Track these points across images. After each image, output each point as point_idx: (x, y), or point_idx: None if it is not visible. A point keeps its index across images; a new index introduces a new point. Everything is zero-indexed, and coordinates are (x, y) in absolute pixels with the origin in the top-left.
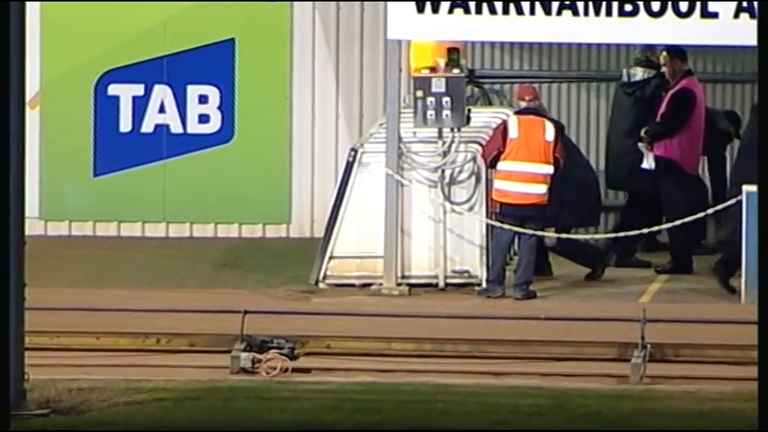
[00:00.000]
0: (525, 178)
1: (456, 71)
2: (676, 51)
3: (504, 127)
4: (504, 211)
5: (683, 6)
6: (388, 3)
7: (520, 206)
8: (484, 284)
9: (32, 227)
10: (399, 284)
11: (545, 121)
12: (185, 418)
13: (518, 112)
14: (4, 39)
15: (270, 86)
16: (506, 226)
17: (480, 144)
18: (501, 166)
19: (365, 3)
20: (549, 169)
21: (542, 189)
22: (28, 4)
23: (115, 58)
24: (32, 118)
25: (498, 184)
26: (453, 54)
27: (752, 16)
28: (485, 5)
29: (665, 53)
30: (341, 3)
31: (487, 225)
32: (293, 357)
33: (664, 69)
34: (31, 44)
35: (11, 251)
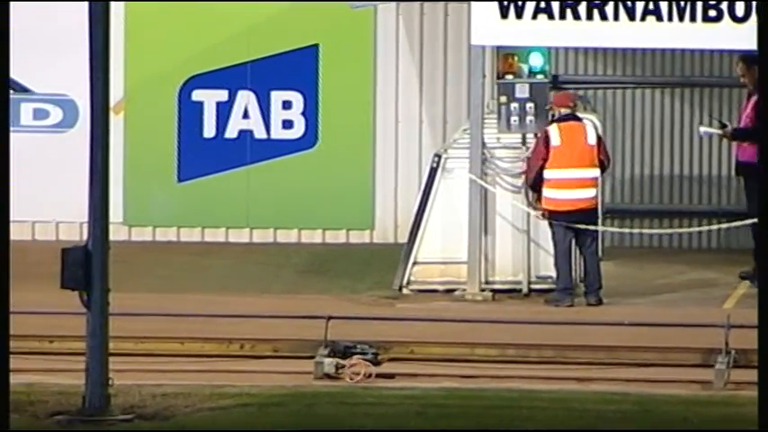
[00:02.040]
0: (573, 184)
1: (540, 77)
2: (753, 58)
3: (545, 136)
4: (555, 219)
5: None
6: (472, 7)
7: (571, 212)
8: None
9: (117, 232)
10: (483, 290)
11: (586, 126)
12: (269, 423)
13: (558, 120)
14: (3, 38)
15: (353, 92)
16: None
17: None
18: (547, 174)
19: (449, 7)
20: (596, 173)
21: (592, 193)
22: (112, 8)
23: (199, 64)
24: (117, 124)
25: (547, 193)
26: None
27: None
28: (569, 11)
29: (740, 63)
30: (425, 8)
31: (553, 233)
32: (377, 363)
33: (743, 80)
34: (116, 50)
35: (94, 257)
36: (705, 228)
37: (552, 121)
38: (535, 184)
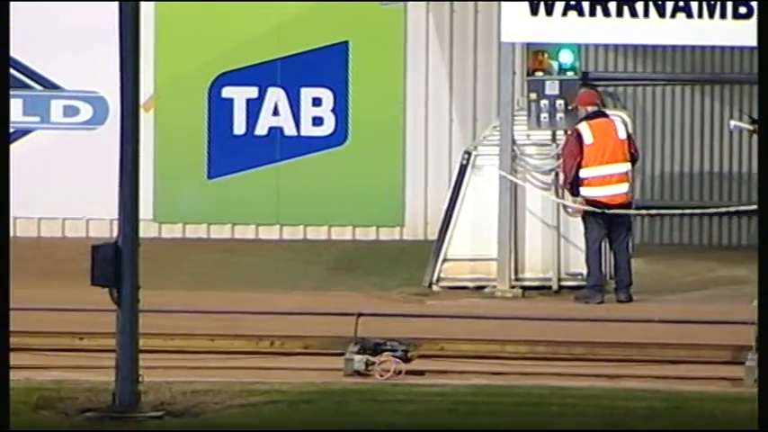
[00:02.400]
0: (610, 180)
1: (570, 74)
2: None
3: (577, 135)
4: (592, 213)
5: None
6: (502, 4)
7: (609, 206)
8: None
9: (147, 229)
10: (513, 287)
11: (615, 121)
12: (299, 420)
13: (586, 118)
14: (4, 38)
15: (383, 89)
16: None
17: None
18: (583, 173)
19: (479, 4)
20: (628, 167)
21: (626, 188)
22: (142, 7)
23: (229, 61)
24: (146, 121)
25: (585, 191)
26: None
27: None
28: (599, 8)
29: None
30: (455, 5)
31: (586, 230)
32: (407, 360)
33: None
34: (146, 47)
35: (125, 254)
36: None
37: (581, 120)
38: (573, 183)
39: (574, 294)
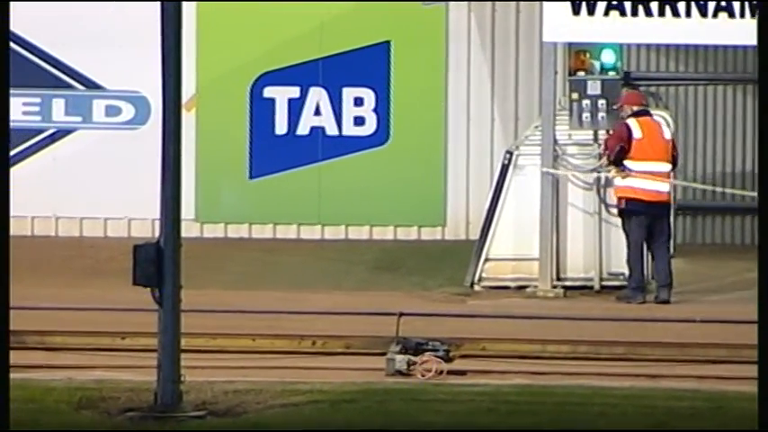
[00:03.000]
0: (654, 177)
1: (612, 73)
2: None
3: (626, 128)
4: (632, 208)
5: None
6: (544, 4)
7: (651, 203)
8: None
9: (188, 229)
10: (555, 286)
11: (662, 122)
12: (341, 420)
13: (634, 115)
14: (3, 37)
15: (425, 89)
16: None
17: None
18: (630, 165)
19: (521, 4)
20: (670, 167)
21: (667, 187)
22: (184, 6)
23: (271, 61)
24: (188, 120)
25: (629, 182)
26: None
27: None
28: (641, 7)
29: None
30: (496, 5)
31: (626, 228)
32: (448, 359)
33: None
34: (187, 47)
35: (166, 253)
36: None
37: (627, 117)
38: (617, 159)
39: (615, 294)
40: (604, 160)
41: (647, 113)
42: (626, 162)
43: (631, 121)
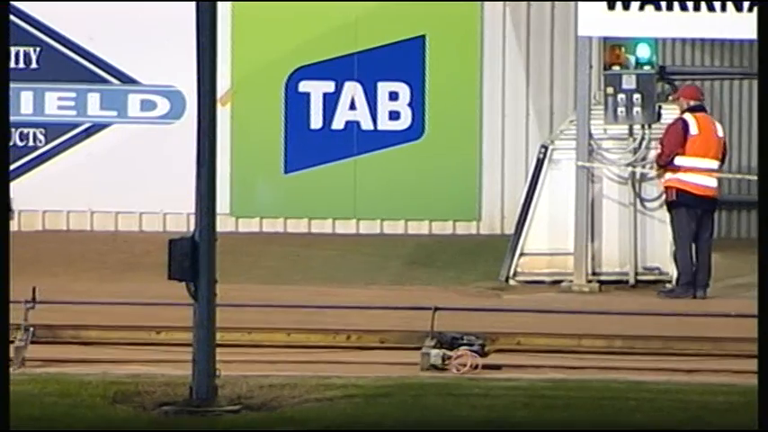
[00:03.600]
0: (706, 172)
1: (647, 68)
2: None
3: (683, 124)
4: (684, 200)
5: None
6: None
7: (701, 197)
8: (669, 285)
9: (224, 224)
10: (590, 281)
11: (714, 120)
12: (376, 414)
13: (691, 110)
14: (4, 36)
15: (460, 83)
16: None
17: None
18: (681, 161)
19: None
20: (718, 165)
21: (716, 183)
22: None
23: (306, 55)
24: (224, 115)
25: (682, 176)
26: None
27: None
28: (675, 2)
29: None
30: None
31: (675, 223)
32: (483, 354)
33: None
34: (222, 41)
35: (201, 248)
36: None
37: (683, 112)
38: (666, 166)
39: (658, 290)
40: (653, 161)
41: (702, 109)
42: (677, 158)
43: (688, 117)
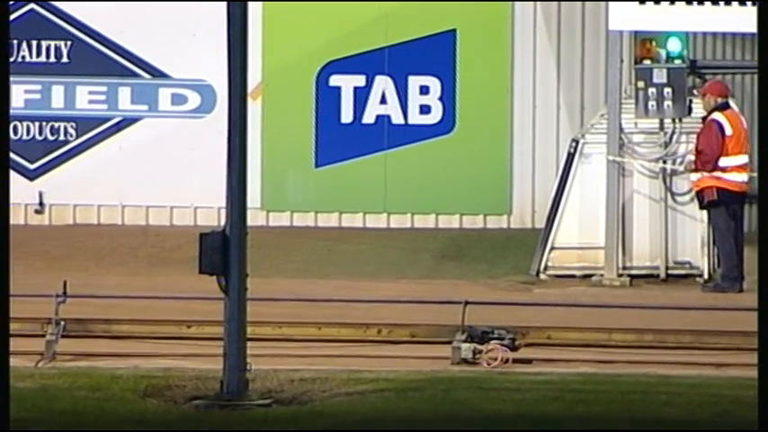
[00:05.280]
0: (743, 169)
1: (678, 62)
2: None
3: (718, 126)
4: (724, 199)
5: None
6: None
7: (737, 194)
8: (706, 276)
9: (254, 218)
10: (620, 275)
11: (738, 112)
12: (407, 408)
13: (720, 108)
14: (4, 35)
15: (491, 77)
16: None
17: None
18: (724, 162)
19: None
20: (748, 158)
21: (748, 177)
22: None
23: (337, 49)
24: (254, 109)
25: (720, 175)
26: None
27: None
28: None
29: None
30: None
31: (708, 218)
32: (514, 348)
33: None
34: (253, 35)
35: (232, 242)
36: None
37: (713, 110)
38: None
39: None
40: (690, 165)
41: (728, 105)
42: (720, 159)
43: (720, 117)
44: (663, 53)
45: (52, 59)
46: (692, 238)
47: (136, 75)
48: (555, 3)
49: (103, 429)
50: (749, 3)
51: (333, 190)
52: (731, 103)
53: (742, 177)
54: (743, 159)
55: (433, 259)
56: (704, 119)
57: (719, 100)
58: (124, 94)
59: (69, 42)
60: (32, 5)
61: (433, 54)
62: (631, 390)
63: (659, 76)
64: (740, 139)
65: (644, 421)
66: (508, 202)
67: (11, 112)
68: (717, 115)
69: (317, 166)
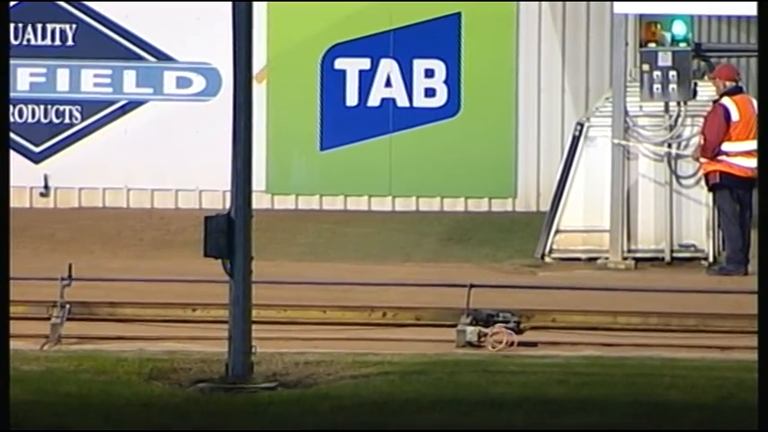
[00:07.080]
0: (751, 154)
1: (683, 45)
2: None
3: (724, 111)
4: (727, 183)
5: None
6: None
7: (743, 179)
8: (711, 259)
9: (259, 201)
10: (625, 258)
11: (751, 97)
12: (412, 391)
13: (729, 93)
14: (4, 35)
15: (496, 60)
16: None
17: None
18: (728, 147)
19: None
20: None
21: (755, 162)
22: None
23: (342, 33)
24: (259, 92)
25: (731, 160)
26: None
27: None
28: None
29: None
30: None
31: (714, 201)
32: (519, 331)
33: None
34: (258, 18)
35: (237, 225)
36: None
37: (722, 95)
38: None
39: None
40: (698, 151)
41: (739, 89)
42: (725, 144)
43: (728, 102)
44: (668, 36)
45: (57, 42)
46: (696, 221)
47: (141, 58)
48: None
49: (108, 412)
50: None
51: (338, 173)
52: (742, 87)
53: (749, 163)
54: (751, 145)
55: (438, 242)
56: (715, 102)
57: (728, 84)
58: (129, 78)
59: (74, 25)
60: None
61: (438, 37)
62: (636, 372)
63: (664, 59)
64: (749, 124)
65: (648, 404)
66: (513, 185)
67: (17, 95)
68: (725, 100)
69: (322, 149)
